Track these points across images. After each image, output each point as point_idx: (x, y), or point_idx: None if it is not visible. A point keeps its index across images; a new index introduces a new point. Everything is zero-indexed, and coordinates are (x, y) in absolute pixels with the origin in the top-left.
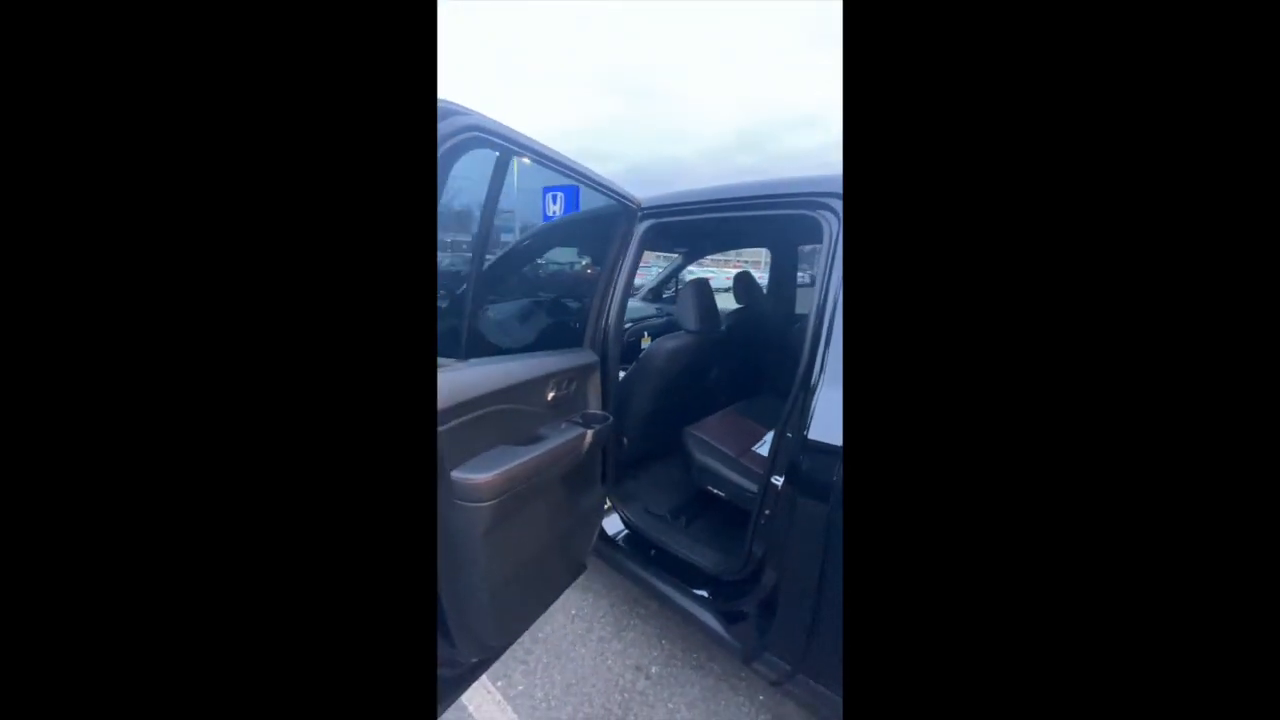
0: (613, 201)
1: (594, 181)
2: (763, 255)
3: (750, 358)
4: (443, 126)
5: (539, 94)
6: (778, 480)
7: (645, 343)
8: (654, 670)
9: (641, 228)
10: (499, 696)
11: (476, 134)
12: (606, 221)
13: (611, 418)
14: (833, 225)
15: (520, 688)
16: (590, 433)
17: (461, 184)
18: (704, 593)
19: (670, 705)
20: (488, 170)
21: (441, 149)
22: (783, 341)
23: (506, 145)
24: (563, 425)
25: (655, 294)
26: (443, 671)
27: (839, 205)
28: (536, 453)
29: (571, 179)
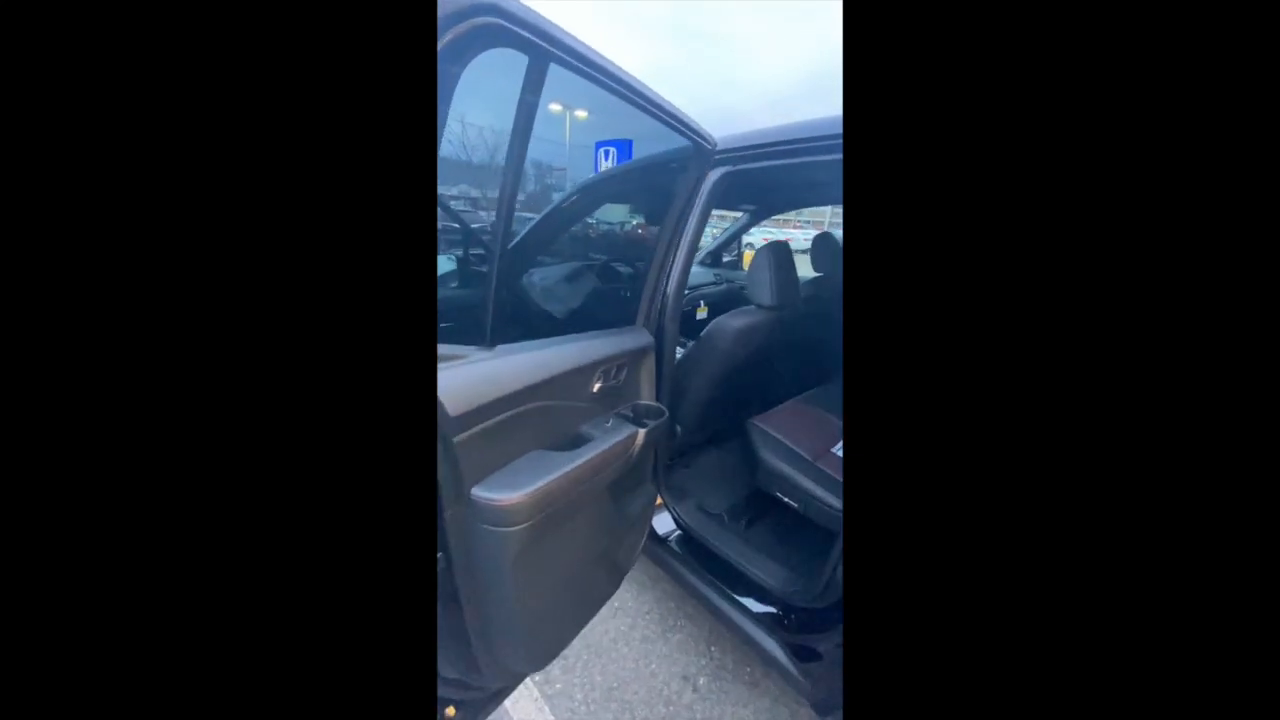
0: (676, 144)
1: (664, 112)
2: (826, 214)
3: (826, 337)
4: (442, 5)
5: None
6: None
7: (701, 313)
8: (702, 682)
9: (713, 177)
10: (536, 694)
11: (492, 21)
12: (671, 170)
13: (667, 412)
14: None
15: (559, 686)
16: (643, 432)
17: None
18: (769, 608)
19: None
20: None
21: (440, 42)
22: None
23: (539, 45)
24: (609, 422)
25: (714, 257)
26: (467, 695)
27: None
28: (578, 462)
29: (636, 105)
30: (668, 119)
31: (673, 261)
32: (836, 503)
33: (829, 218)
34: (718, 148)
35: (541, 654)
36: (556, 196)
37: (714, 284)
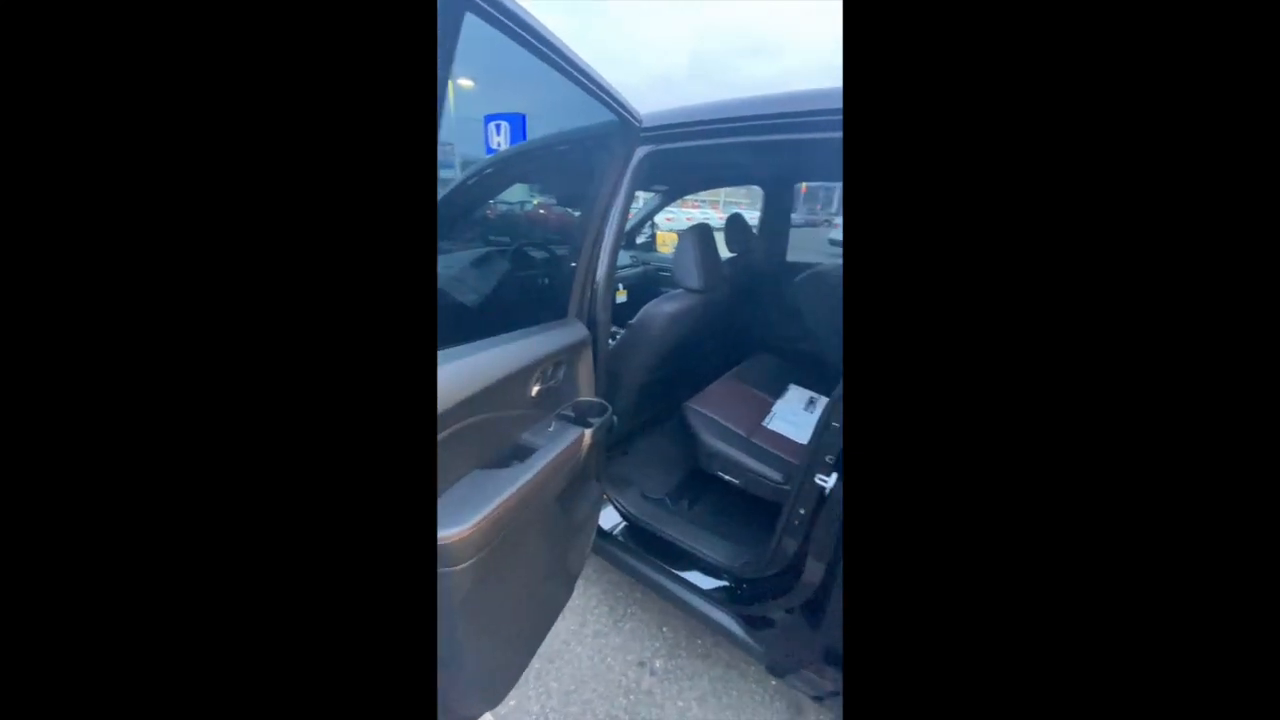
0: (600, 118)
1: (593, 83)
2: (722, 195)
3: (745, 313)
4: None
5: None
6: (825, 480)
7: (620, 296)
8: (658, 665)
9: (639, 155)
10: (488, 715)
11: None
12: (593, 145)
13: (609, 407)
14: None
15: (513, 703)
16: (589, 432)
17: None
18: (720, 583)
19: (680, 703)
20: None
21: None
22: (777, 294)
23: None
24: (551, 426)
25: (628, 239)
26: None
27: None
28: (525, 478)
29: (563, 71)
30: (597, 91)
31: (601, 247)
32: (773, 475)
33: (724, 197)
34: (643, 125)
35: (498, 689)
36: (445, 174)
37: (631, 266)
